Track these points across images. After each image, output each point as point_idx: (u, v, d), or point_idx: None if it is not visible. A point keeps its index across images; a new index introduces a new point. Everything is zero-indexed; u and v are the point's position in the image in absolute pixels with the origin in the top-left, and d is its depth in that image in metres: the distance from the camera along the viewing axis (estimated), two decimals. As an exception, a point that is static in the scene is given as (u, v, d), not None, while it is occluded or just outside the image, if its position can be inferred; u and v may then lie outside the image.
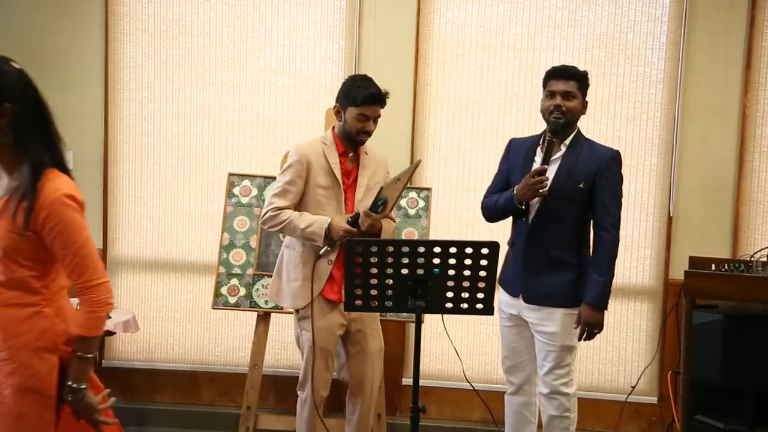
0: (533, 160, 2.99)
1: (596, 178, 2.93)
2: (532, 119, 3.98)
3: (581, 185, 2.92)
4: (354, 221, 2.91)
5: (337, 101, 3.06)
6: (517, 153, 3.08)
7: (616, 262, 3.97)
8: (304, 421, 3.10)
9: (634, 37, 3.98)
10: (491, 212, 3.11)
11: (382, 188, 2.87)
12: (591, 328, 2.90)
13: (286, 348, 4.17)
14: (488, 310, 2.46)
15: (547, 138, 2.93)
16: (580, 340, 2.95)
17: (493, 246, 2.38)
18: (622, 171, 3.02)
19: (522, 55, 4.00)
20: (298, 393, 3.12)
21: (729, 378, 3.25)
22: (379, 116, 3.04)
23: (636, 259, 4.00)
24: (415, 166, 2.96)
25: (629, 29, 3.98)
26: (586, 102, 3.03)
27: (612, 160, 2.98)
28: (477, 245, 2.38)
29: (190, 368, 4.21)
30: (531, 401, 3.12)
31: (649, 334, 4.01)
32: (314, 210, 3.00)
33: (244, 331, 4.13)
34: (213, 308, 3.72)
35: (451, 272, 2.38)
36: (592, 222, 3.00)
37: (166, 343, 4.21)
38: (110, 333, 3.72)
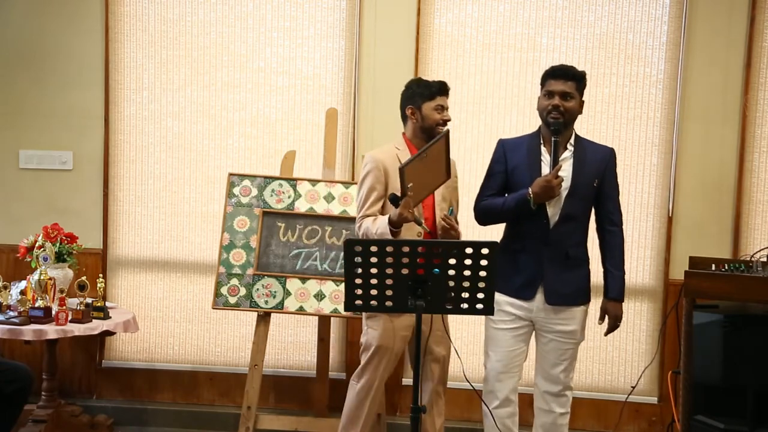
0: (541, 160, 3.01)
1: (605, 174, 3.04)
2: (532, 119, 3.97)
3: (595, 183, 3.01)
4: (393, 200, 2.85)
5: (407, 105, 3.08)
6: (515, 154, 3.07)
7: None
8: (351, 408, 3.10)
9: (634, 37, 3.98)
10: (494, 215, 3.08)
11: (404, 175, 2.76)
12: (616, 321, 3.04)
13: (286, 348, 4.17)
14: (488, 310, 2.46)
15: (553, 139, 2.93)
16: (607, 334, 3.08)
17: (493, 246, 2.38)
18: None
19: (522, 55, 4.00)
20: (352, 382, 3.13)
21: (729, 378, 3.24)
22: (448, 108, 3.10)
23: (636, 259, 4.00)
24: (439, 138, 2.88)
25: (629, 29, 3.98)
26: (583, 101, 3.05)
27: (613, 156, 3.10)
28: (477, 245, 2.38)
29: (190, 368, 4.21)
30: (515, 411, 3.09)
31: (649, 334, 4.01)
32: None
33: (244, 331, 4.13)
34: (213, 308, 3.72)
35: (451, 272, 2.38)
36: (597, 217, 3.08)
37: (166, 343, 4.21)
38: (110, 333, 3.72)
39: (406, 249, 2.36)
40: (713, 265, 3.29)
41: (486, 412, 3.08)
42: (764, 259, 3.27)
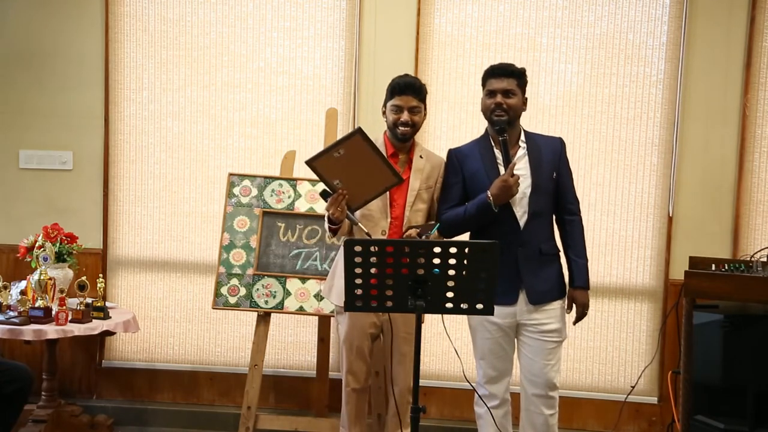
0: (497, 162, 2.99)
1: (560, 165, 3.04)
2: (531, 119, 3.98)
3: (554, 176, 3.00)
4: (322, 195, 2.92)
5: (383, 104, 3.13)
6: (469, 161, 3.04)
7: (616, 262, 4.02)
8: (342, 411, 3.20)
9: (634, 37, 3.98)
10: (457, 225, 3.03)
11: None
12: (584, 309, 3.03)
13: (286, 348, 4.17)
14: (488, 310, 2.45)
15: (501, 138, 2.92)
16: (576, 323, 3.06)
17: (493, 246, 2.38)
18: None
19: (522, 55, 4.00)
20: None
21: (729, 378, 3.25)
22: (416, 107, 3.02)
23: (636, 259, 4.00)
24: (350, 134, 2.82)
25: (629, 29, 3.98)
26: (526, 99, 3.04)
27: (563, 145, 3.09)
28: (477, 245, 2.38)
29: (190, 368, 4.21)
30: (509, 410, 3.09)
31: (649, 334, 4.01)
32: (362, 210, 3.02)
33: (244, 331, 4.13)
34: (213, 308, 3.72)
35: (451, 272, 2.37)
36: (556, 209, 3.07)
37: (166, 343, 4.22)
38: (110, 333, 3.72)
39: (406, 249, 2.36)
40: (713, 265, 3.29)
41: (482, 413, 3.07)
42: (764, 259, 3.27)
